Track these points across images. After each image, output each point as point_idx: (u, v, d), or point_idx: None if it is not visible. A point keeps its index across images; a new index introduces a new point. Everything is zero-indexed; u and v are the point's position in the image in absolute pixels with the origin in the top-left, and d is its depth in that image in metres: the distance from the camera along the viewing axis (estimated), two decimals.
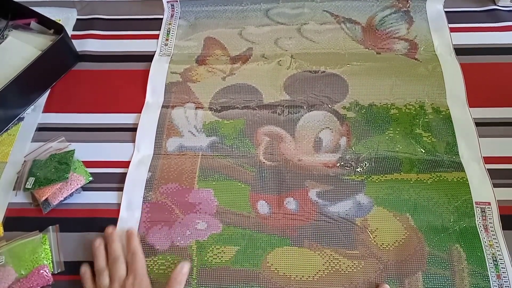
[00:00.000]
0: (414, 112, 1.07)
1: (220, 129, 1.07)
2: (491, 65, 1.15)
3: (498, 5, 1.26)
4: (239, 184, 1.00)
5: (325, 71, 1.15)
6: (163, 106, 1.11)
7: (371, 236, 0.92)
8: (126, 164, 1.04)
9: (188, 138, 1.06)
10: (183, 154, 1.04)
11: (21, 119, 1.12)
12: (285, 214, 0.95)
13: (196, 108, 1.11)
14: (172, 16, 1.28)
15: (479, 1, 1.28)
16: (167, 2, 1.28)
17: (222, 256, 0.92)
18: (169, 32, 1.25)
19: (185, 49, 1.22)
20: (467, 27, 1.23)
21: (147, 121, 1.09)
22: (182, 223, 0.95)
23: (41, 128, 1.11)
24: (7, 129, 1.10)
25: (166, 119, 1.09)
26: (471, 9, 1.26)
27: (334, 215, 0.94)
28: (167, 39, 1.23)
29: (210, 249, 0.92)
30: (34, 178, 0.98)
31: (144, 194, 0.99)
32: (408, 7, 1.26)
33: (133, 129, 1.09)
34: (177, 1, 1.28)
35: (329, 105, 1.09)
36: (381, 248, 0.90)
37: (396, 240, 0.91)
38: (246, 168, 1.01)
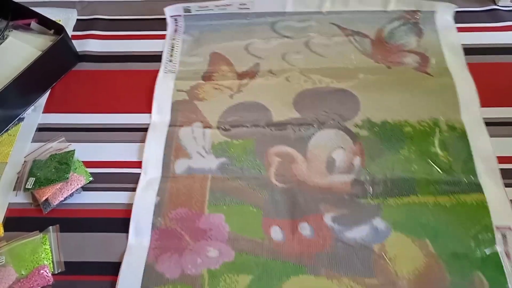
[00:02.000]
0: (428, 130, 1.04)
1: (230, 150, 1.04)
2: (490, 64, 1.15)
3: (498, 5, 1.25)
4: (251, 208, 0.96)
5: (335, 87, 1.12)
6: (170, 125, 1.08)
7: (389, 263, 0.89)
8: (126, 164, 1.03)
9: (196, 160, 1.03)
10: (191, 177, 1.01)
11: (21, 119, 1.12)
12: (300, 240, 0.92)
13: (204, 127, 1.07)
14: (175, 31, 1.25)
15: (479, 1, 1.27)
16: (171, 16, 1.25)
17: (235, 286, 0.88)
18: (173, 47, 1.22)
19: (190, 66, 1.18)
20: (467, 27, 1.22)
21: (154, 141, 1.06)
22: (193, 251, 0.92)
23: (41, 129, 1.10)
24: (7, 130, 1.10)
25: (173, 140, 1.06)
26: (471, 9, 1.26)
27: (350, 241, 0.91)
28: (171, 55, 1.20)
29: (223, 278, 0.89)
30: (34, 178, 0.98)
31: (153, 220, 0.96)
32: (417, 18, 1.23)
33: (132, 129, 1.09)
34: (180, 16, 1.25)
35: (341, 123, 1.06)
36: (401, 276, 0.87)
37: (416, 268, 0.88)
38: (258, 191, 0.98)
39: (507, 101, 1.08)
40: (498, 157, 0.99)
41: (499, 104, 1.08)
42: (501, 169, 0.97)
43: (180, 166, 1.03)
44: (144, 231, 0.95)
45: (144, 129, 1.08)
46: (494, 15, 1.24)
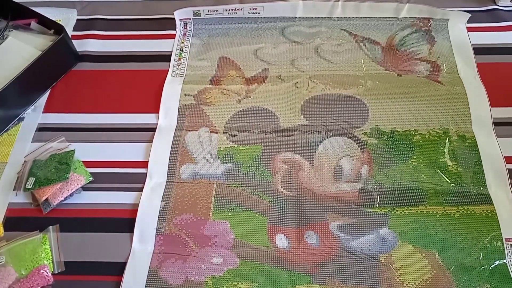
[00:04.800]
0: (438, 139, 1.02)
1: (236, 156, 1.03)
2: (490, 65, 1.14)
3: (498, 5, 1.25)
4: (256, 215, 0.95)
5: (344, 94, 1.11)
6: (176, 130, 1.07)
7: (396, 274, 0.87)
8: (126, 164, 1.03)
9: (202, 165, 1.02)
10: (197, 182, 1.00)
11: (21, 119, 1.12)
12: (305, 249, 0.91)
13: (211, 132, 1.06)
14: (184, 34, 1.24)
15: (479, 1, 1.27)
16: (180, 19, 1.24)
17: None
18: (182, 51, 1.21)
19: (198, 70, 1.17)
20: (467, 27, 1.22)
21: (160, 146, 1.05)
22: (197, 257, 0.91)
23: (41, 128, 1.11)
24: (7, 129, 1.10)
25: (179, 144, 1.05)
26: (471, 9, 1.25)
27: (356, 251, 0.90)
28: (179, 59, 1.19)
29: (227, 285, 0.88)
30: (34, 178, 0.98)
31: (157, 225, 0.95)
32: (429, 26, 1.21)
33: (133, 129, 1.09)
34: (190, 19, 1.24)
35: (349, 131, 1.04)
36: (407, 287, 0.86)
37: (423, 279, 0.86)
38: (263, 198, 0.97)
39: (509, 100, 1.08)
40: (505, 157, 0.99)
41: (502, 104, 1.07)
42: (509, 170, 0.98)
43: (185, 171, 1.02)
44: (148, 236, 0.94)
45: (144, 129, 1.08)
46: (494, 15, 1.24)
